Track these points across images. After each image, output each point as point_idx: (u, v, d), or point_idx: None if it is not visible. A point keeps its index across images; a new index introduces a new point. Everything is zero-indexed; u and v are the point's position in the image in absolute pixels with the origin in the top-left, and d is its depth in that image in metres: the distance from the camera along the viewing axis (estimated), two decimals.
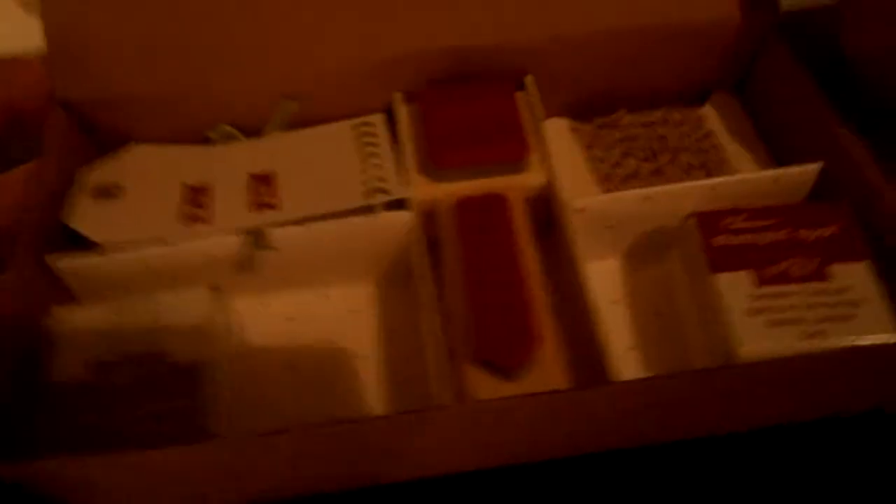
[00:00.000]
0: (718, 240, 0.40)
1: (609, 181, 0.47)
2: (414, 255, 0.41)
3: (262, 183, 0.44)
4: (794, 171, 0.43)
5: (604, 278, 0.45)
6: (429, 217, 0.44)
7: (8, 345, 0.36)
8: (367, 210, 0.43)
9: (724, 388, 0.36)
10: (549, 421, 0.36)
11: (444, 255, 0.41)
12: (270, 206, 0.43)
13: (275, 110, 0.47)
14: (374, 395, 0.42)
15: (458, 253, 0.40)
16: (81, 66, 0.44)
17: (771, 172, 0.43)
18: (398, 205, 0.43)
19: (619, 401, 0.35)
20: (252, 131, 0.48)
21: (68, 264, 0.41)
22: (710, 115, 0.50)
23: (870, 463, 0.40)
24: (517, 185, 0.43)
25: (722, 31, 0.47)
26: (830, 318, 0.37)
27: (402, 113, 0.47)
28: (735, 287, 0.38)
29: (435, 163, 0.43)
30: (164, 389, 0.36)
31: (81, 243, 0.42)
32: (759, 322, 0.37)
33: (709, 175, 0.46)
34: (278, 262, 0.43)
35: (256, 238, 0.41)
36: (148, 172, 0.45)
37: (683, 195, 0.42)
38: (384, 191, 0.43)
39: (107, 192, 0.44)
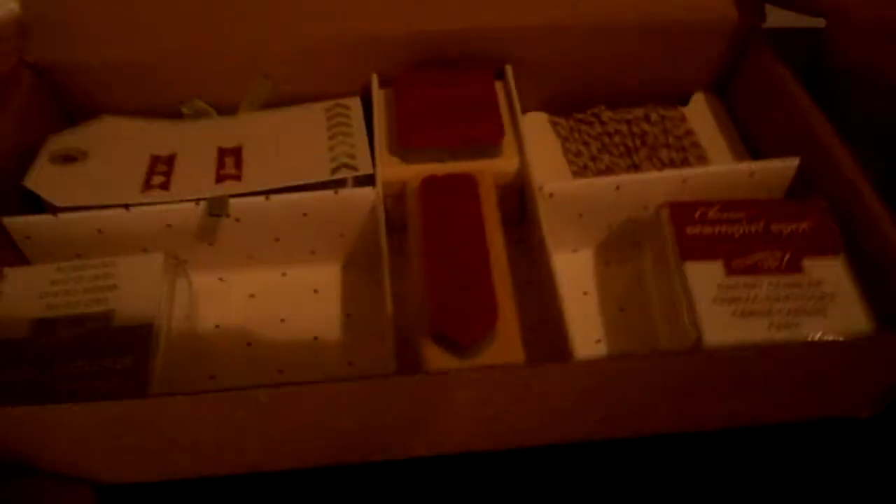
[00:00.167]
0: (690, 229, 0.39)
1: (584, 175, 0.46)
2: (378, 234, 0.40)
3: (230, 155, 0.43)
4: (769, 164, 0.42)
5: (575, 270, 0.44)
6: (398, 199, 0.43)
7: None
8: (336, 185, 0.42)
9: (687, 373, 0.34)
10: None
11: (408, 234, 0.40)
12: (235, 178, 0.42)
13: (250, 88, 0.47)
14: (330, 375, 0.40)
15: (421, 230, 0.39)
16: (56, 30, 0.44)
17: (745, 165, 0.42)
18: (368, 182, 0.42)
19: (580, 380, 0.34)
20: (226, 109, 0.47)
21: (19, 224, 0.40)
22: (691, 115, 0.49)
23: (843, 464, 0.39)
24: (489, 169, 0.43)
25: (706, 31, 0.47)
26: (802, 311, 0.36)
27: (379, 94, 0.46)
28: (705, 276, 0.37)
29: (405, 142, 0.43)
30: (104, 349, 0.34)
31: (44, 212, 0.41)
32: (728, 311, 0.36)
33: None
34: (239, 235, 0.42)
35: (212, 204, 0.40)
36: (116, 141, 0.45)
37: (655, 184, 0.41)
38: (351, 167, 0.42)
39: (70, 158, 0.43)
